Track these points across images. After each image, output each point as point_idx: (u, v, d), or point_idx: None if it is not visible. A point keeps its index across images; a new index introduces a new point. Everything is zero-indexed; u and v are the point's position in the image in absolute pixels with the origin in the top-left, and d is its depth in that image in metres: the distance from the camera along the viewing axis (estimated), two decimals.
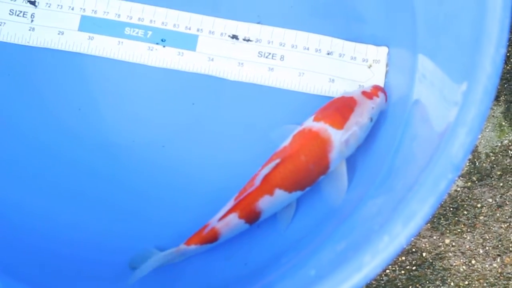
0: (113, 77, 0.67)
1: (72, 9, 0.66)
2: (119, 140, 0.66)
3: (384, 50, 0.66)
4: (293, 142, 0.60)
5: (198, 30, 0.67)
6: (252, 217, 0.60)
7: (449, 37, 0.54)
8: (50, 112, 0.66)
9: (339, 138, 0.60)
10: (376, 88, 0.63)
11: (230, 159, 0.66)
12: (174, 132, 0.66)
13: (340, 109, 0.61)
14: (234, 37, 0.67)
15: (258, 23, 0.67)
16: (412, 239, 0.65)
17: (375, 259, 0.45)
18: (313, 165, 0.60)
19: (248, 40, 0.67)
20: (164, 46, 0.66)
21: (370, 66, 0.65)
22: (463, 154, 0.46)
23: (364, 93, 0.62)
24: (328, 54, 0.66)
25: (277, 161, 0.59)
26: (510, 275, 0.67)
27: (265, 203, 0.60)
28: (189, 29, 0.67)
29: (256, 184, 0.59)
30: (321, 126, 0.60)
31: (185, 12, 0.67)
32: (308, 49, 0.66)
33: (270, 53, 0.66)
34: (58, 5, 0.66)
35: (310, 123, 0.61)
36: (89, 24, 0.66)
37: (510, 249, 0.68)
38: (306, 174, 0.60)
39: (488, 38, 0.46)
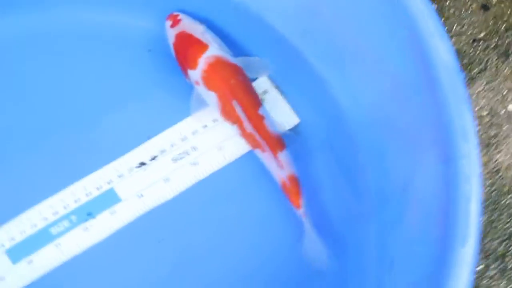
0: None
1: None
2: None
3: (262, 80, 0.68)
4: (220, 99, 0.63)
5: (109, 182, 0.65)
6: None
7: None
8: None
9: (213, 50, 0.64)
10: (169, 16, 0.67)
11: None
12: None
13: (186, 46, 0.65)
14: (142, 164, 0.66)
15: (148, 137, 0.67)
16: None
17: None
18: (238, 76, 0.64)
19: (155, 157, 0.66)
20: (95, 217, 0.64)
21: (262, 100, 0.67)
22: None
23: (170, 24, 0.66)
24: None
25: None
26: None
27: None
28: (101, 187, 0.65)
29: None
30: (199, 68, 0.64)
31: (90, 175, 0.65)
32: (206, 126, 0.67)
33: (181, 153, 0.67)
34: None
35: (198, 75, 0.64)
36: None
37: None
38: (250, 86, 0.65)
39: None
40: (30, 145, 0.66)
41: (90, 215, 0.65)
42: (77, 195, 0.65)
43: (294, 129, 0.67)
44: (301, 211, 0.62)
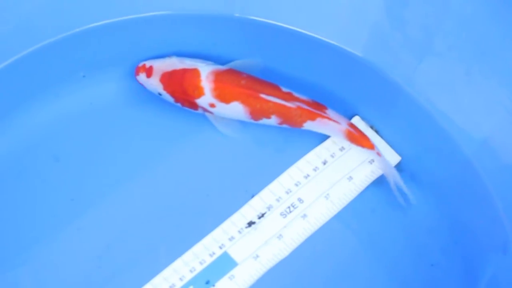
0: None
1: None
2: None
3: (355, 120, 0.67)
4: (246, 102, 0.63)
5: (221, 246, 0.63)
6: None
7: None
8: None
9: (206, 69, 0.64)
10: (138, 70, 0.65)
11: None
12: None
13: (178, 81, 0.64)
14: (251, 223, 0.64)
15: (253, 196, 0.65)
16: None
17: None
18: (242, 75, 0.64)
19: (264, 214, 0.64)
20: (214, 285, 0.62)
21: None
22: None
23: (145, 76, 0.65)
24: (325, 163, 0.66)
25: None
26: None
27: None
28: (214, 253, 0.63)
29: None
30: (206, 91, 0.63)
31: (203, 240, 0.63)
32: (308, 175, 0.65)
33: (288, 206, 0.65)
34: None
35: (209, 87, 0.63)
36: None
37: None
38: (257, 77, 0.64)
39: None
40: (139, 221, 0.64)
41: (208, 283, 0.62)
42: (190, 264, 0.62)
43: (397, 167, 0.65)
44: (375, 151, 0.64)
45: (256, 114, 0.64)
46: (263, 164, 0.66)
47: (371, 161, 0.66)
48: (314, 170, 0.66)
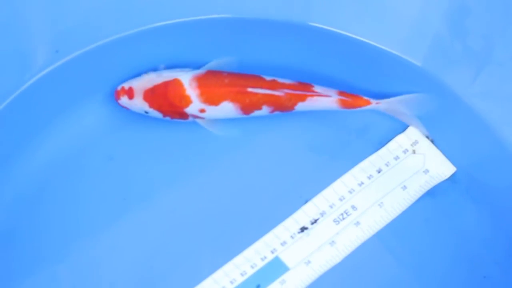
0: None
1: None
2: None
3: (411, 130, 0.66)
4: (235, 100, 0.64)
5: (273, 251, 0.63)
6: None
7: None
8: None
9: (186, 77, 0.64)
10: (118, 94, 0.65)
11: None
12: None
13: (163, 96, 0.64)
14: (303, 229, 0.64)
15: (306, 201, 0.65)
16: None
17: None
18: (223, 74, 0.64)
19: (316, 220, 0.64)
20: None
21: (414, 151, 0.66)
22: None
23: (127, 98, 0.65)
24: (379, 172, 0.65)
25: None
26: None
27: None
28: (266, 257, 0.63)
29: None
30: (193, 98, 0.63)
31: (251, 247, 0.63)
32: (362, 183, 0.65)
33: (341, 213, 0.64)
34: None
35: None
36: None
37: None
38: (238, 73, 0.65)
39: None
40: (192, 223, 0.64)
41: (259, 287, 0.62)
42: (242, 268, 0.62)
43: (451, 178, 0.65)
44: (373, 104, 0.64)
45: (247, 108, 0.64)
46: (318, 170, 0.66)
47: (426, 171, 0.65)
48: (369, 178, 0.65)
